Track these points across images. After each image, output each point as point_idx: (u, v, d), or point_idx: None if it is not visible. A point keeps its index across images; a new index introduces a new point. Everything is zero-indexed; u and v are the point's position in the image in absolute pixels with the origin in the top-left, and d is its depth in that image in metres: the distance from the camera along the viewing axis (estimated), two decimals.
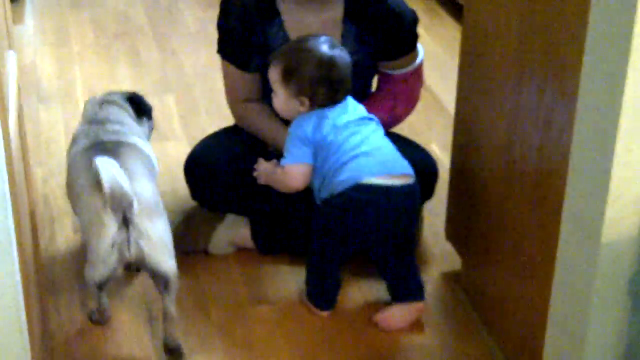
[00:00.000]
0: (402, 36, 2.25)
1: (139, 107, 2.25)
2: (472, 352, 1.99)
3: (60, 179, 2.49)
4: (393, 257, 2.08)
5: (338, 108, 2.03)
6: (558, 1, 1.57)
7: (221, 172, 2.25)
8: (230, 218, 2.29)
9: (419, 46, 2.30)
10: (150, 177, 2.02)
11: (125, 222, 1.84)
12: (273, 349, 2.00)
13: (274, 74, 2.04)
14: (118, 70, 3.29)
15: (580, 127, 1.49)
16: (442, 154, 2.68)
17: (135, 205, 1.84)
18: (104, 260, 1.86)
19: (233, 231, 2.28)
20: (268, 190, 2.19)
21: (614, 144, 1.39)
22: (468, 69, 2.02)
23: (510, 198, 1.85)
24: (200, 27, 3.65)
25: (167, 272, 1.89)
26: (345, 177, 1.96)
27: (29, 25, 3.67)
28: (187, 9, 3.83)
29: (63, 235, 2.35)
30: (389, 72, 2.30)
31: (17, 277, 1.45)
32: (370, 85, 2.37)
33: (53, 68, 3.30)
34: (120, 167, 1.86)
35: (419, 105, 2.41)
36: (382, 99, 2.32)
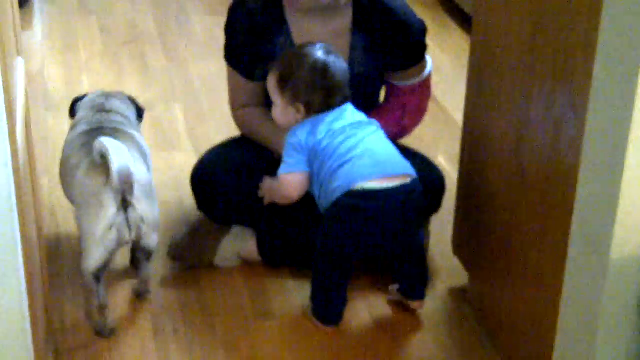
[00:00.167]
0: (411, 47, 2.24)
1: (136, 108, 2.32)
2: None
3: None
4: (398, 259, 2.07)
5: (334, 113, 2.02)
6: (568, 12, 1.56)
7: (228, 183, 2.24)
8: (236, 230, 2.28)
9: (428, 58, 2.30)
10: (144, 163, 2.07)
11: (124, 204, 1.91)
12: None
13: (271, 82, 2.05)
14: (125, 78, 3.28)
15: (590, 140, 1.48)
16: (449, 167, 2.66)
17: (136, 187, 1.91)
18: (101, 242, 1.92)
19: (239, 244, 2.27)
20: (274, 203, 2.19)
21: (624, 158, 1.38)
22: (477, 80, 2.01)
23: (518, 212, 1.84)
24: (208, 36, 3.65)
25: (152, 247, 2.04)
26: (339, 183, 1.95)
27: (37, 31, 3.68)
28: (195, 18, 3.83)
29: (69, 243, 2.34)
30: (397, 83, 2.29)
31: (23, 286, 1.45)
32: (378, 96, 2.36)
33: (61, 75, 3.30)
34: None
35: (427, 117, 2.40)
36: (389, 111, 2.31)
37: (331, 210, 1.98)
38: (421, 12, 3.54)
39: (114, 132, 2.08)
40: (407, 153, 2.24)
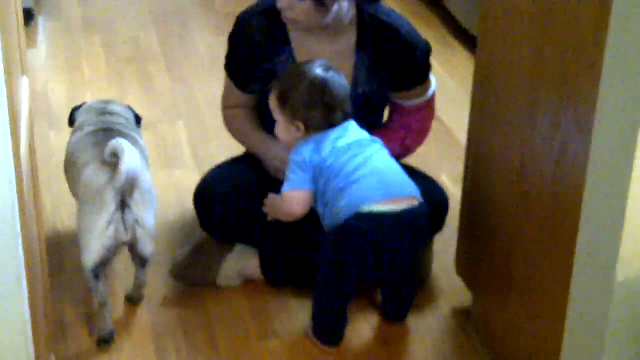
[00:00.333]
0: (415, 67, 2.24)
1: (134, 115, 2.39)
2: None
3: (70, 205, 2.48)
4: (394, 281, 2.07)
5: (337, 131, 2.01)
6: (573, 32, 1.57)
7: (231, 202, 2.24)
8: (239, 249, 2.27)
9: (432, 78, 2.30)
10: (147, 168, 2.15)
11: (123, 205, 1.98)
12: None
13: (272, 101, 2.05)
14: (129, 96, 3.29)
15: (595, 160, 1.48)
16: (452, 186, 2.66)
17: (137, 193, 1.98)
18: (99, 238, 1.98)
19: (242, 262, 2.26)
20: (277, 222, 2.18)
21: (630, 179, 1.37)
22: (481, 100, 2.01)
23: (522, 232, 1.83)
24: (212, 54, 3.65)
25: (148, 255, 2.09)
26: (346, 204, 1.95)
27: (41, 50, 3.69)
28: (199, 36, 3.84)
29: (71, 262, 2.33)
30: (401, 102, 2.29)
31: (26, 307, 1.44)
32: (382, 115, 2.36)
33: (64, 93, 3.31)
34: None
35: (430, 136, 2.40)
36: (393, 130, 2.31)
37: (336, 232, 1.98)
38: (426, 33, 3.55)
39: (122, 135, 2.13)
40: (411, 172, 2.23)
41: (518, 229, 1.85)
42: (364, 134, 2.06)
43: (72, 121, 2.36)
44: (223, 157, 2.48)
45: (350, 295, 2.05)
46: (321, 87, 1.99)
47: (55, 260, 2.34)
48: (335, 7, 2.10)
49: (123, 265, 2.30)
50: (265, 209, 2.14)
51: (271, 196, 2.13)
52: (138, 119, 2.39)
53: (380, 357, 2.06)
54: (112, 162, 1.98)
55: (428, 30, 3.78)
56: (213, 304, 2.21)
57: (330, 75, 2.01)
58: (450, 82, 3.42)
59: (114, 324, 2.10)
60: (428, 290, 2.27)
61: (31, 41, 3.70)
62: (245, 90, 2.28)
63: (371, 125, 2.21)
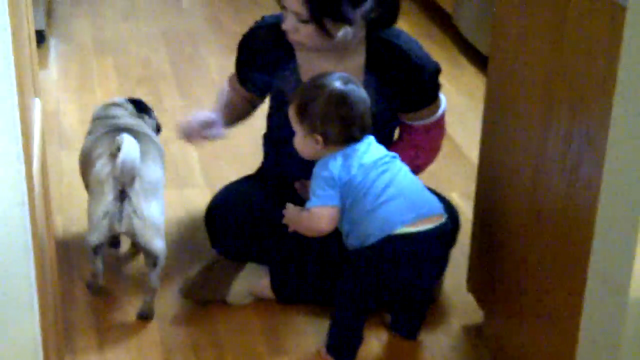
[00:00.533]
0: (423, 88, 2.24)
1: (139, 105, 2.47)
2: None
3: (81, 225, 2.48)
4: (411, 300, 2.07)
5: (362, 145, 1.99)
6: (585, 50, 1.57)
7: (242, 221, 2.24)
8: (250, 267, 2.27)
9: (442, 97, 2.30)
10: (159, 163, 2.23)
11: (122, 196, 2.04)
12: None
13: (291, 113, 2.03)
14: None
15: (608, 178, 1.47)
16: (463, 203, 2.66)
17: (137, 183, 2.04)
18: (97, 226, 2.06)
19: (253, 281, 2.26)
20: (289, 240, 2.18)
21: None
22: (492, 119, 2.01)
23: (534, 249, 1.82)
24: (221, 73, 3.67)
25: (156, 251, 2.09)
26: (376, 227, 1.94)
27: (53, 71, 3.71)
28: (209, 56, 3.86)
29: (82, 284, 2.34)
30: (411, 122, 2.29)
31: (37, 327, 1.44)
32: (392, 135, 2.36)
33: (76, 114, 3.32)
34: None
35: (441, 154, 2.40)
36: (403, 149, 2.30)
37: (366, 254, 1.97)
38: (436, 52, 3.57)
39: (132, 133, 2.17)
40: None
41: (530, 247, 1.84)
42: (384, 150, 2.05)
43: None
44: (234, 175, 2.49)
45: (369, 313, 2.05)
46: (339, 101, 1.97)
47: (67, 280, 2.35)
48: (340, 33, 2.11)
49: (132, 281, 2.31)
50: (286, 220, 2.10)
51: (291, 208, 2.08)
52: (143, 108, 2.45)
53: None
54: (114, 154, 2.08)
55: (438, 50, 3.79)
56: (223, 322, 2.21)
57: (350, 88, 1.98)
58: (460, 101, 3.43)
59: (125, 341, 2.11)
60: (439, 307, 2.27)
61: (43, 63, 3.73)
62: (242, 85, 2.35)
63: (381, 144, 2.21)
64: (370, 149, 2.01)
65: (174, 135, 3.24)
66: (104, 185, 2.07)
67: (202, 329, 2.19)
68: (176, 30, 4.13)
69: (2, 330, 1.39)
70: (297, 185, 2.21)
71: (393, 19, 2.20)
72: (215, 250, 2.32)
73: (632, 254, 1.40)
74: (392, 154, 2.06)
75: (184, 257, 2.46)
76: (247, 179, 2.40)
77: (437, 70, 2.25)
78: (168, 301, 2.27)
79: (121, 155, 2.02)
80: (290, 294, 2.26)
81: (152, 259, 2.11)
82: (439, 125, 2.32)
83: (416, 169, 2.34)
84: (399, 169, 2.01)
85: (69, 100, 3.43)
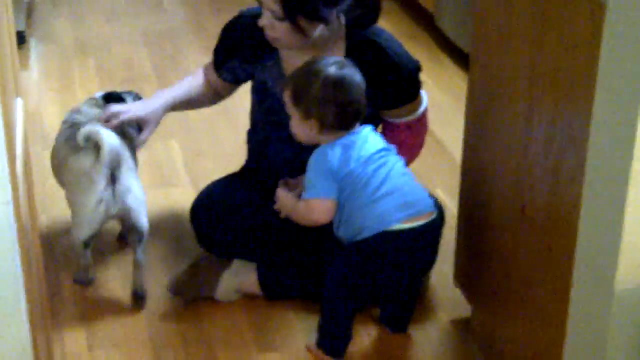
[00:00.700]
0: (403, 86, 2.23)
1: (111, 99, 2.44)
2: None
3: (66, 224, 2.48)
4: (399, 294, 2.07)
5: (360, 137, 1.98)
6: (568, 45, 1.58)
7: (228, 217, 2.24)
8: (237, 264, 2.27)
9: (423, 93, 2.30)
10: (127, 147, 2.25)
11: (112, 179, 2.12)
12: None
13: (286, 98, 2.01)
14: None
15: (591, 172, 1.48)
16: (447, 199, 2.67)
17: (123, 165, 2.12)
18: (91, 216, 2.12)
19: (240, 277, 2.26)
20: (276, 236, 2.18)
21: (626, 189, 1.38)
22: (475, 116, 2.02)
23: (520, 243, 1.84)
24: None
25: (143, 227, 2.19)
26: (371, 222, 1.94)
27: (34, 71, 3.69)
28: (191, 56, 3.85)
29: (68, 284, 2.33)
30: (392, 120, 2.29)
31: (26, 326, 1.44)
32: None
33: (57, 115, 3.30)
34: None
35: (424, 151, 2.41)
36: None
37: (357, 249, 1.97)
38: (417, 51, 3.58)
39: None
40: None
41: (516, 241, 1.85)
42: (382, 142, 2.03)
43: None
44: (218, 173, 2.48)
45: (359, 308, 2.05)
46: (335, 86, 1.94)
47: (53, 278, 2.34)
48: (316, 32, 2.10)
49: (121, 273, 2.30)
50: (278, 206, 2.08)
51: (283, 193, 2.06)
52: (113, 98, 2.42)
53: None
54: (89, 147, 2.12)
55: (420, 49, 3.80)
56: (212, 319, 2.21)
57: (345, 72, 1.96)
58: (443, 98, 3.44)
59: (114, 338, 2.12)
60: (427, 302, 2.28)
61: (23, 63, 3.70)
62: (217, 70, 2.34)
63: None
64: (368, 140, 1.99)
65: (156, 135, 3.24)
66: (92, 175, 2.11)
67: (191, 325, 2.18)
68: (157, 31, 4.12)
69: None
70: (281, 183, 2.20)
71: (374, 18, 2.20)
72: (202, 248, 2.32)
73: (617, 246, 1.41)
74: (389, 146, 2.04)
75: (171, 255, 2.45)
76: (232, 177, 2.40)
77: (417, 68, 2.25)
78: (157, 298, 2.26)
79: (105, 146, 2.08)
80: (278, 289, 2.26)
81: (138, 234, 2.19)
82: (421, 123, 2.32)
83: None
84: (394, 164, 2.00)
85: (51, 101, 3.41)
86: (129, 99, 2.47)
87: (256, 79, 2.28)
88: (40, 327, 1.71)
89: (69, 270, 2.38)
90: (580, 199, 1.52)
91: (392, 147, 2.05)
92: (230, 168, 2.48)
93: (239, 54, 2.28)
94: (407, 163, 2.35)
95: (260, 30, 2.18)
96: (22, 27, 3.77)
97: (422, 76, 2.28)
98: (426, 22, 4.09)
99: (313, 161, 1.98)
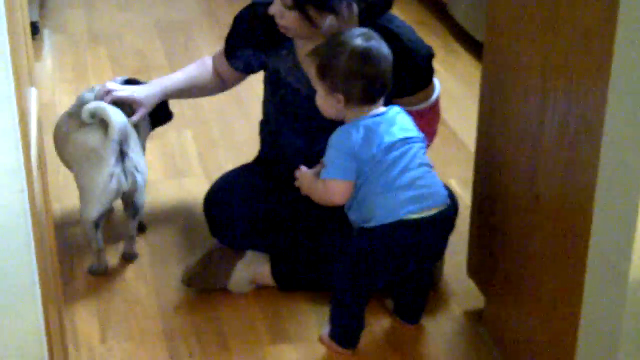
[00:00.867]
0: (417, 72, 2.22)
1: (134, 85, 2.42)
2: None
3: (79, 217, 2.48)
4: (412, 284, 2.07)
5: (386, 118, 1.95)
6: (582, 34, 1.57)
7: (241, 208, 2.24)
8: (250, 255, 2.27)
9: (436, 82, 2.29)
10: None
11: (122, 155, 2.16)
12: None
13: (312, 71, 1.99)
14: None
15: (605, 162, 1.47)
16: (460, 190, 2.66)
17: (131, 141, 2.17)
18: (102, 193, 2.16)
19: (253, 268, 2.26)
20: (289, 227, 2.18)
21: None
22: (489, 105, 2.01)
23: (534, 234, 1.83)
24: None
25: (141, 203, 2.28)
26: (382, 211, 1.93)
27: (47, 62, 3.70)
28: (204, 46, 3.86)
29: (82, 272, 2.34)
30: (406, 107, 2.28)
31: (41, 315, 1.44)
32: None
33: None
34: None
35: (437, 141, 2.40)
36: None
37: (367, 237, 1.96)
38: (431, 39, 3.56)
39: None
40: None
41: (529, 231, 1.85)
42: (409, 125, 1.99)
43: None
44: (231, 164, 2.49)
45: (370, 297, 2.05)
46: (361, 59, 1.91)
47: (67, 269, 2.35)
48: (326, 22, 2.09)
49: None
50: (298, 183, 2.05)
51: (306, 172, 2.03)
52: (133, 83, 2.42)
53: (394, 359, 2.06)
54: (94, 123, 2.16)
55: (433, 37, 3.79)
56: (225, 310, 2.21)
57: (372, 44, 1.93)
58: (456, 87, 3.43)
59: (127, 330, 2.12)
60: (440, 293, 2.28)
61: (37, 54, 3.72)
62: (229, 59, 2.33)
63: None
64: (396, 122, 1.96)
65: (169, 125, 3.25)
66: (100, 152, 2.14)
67: (204, 316, 2.19)
68: (170, 21, 4.12)
69: (4, 318, 1.39)
70: (297, 173, 2.20)
71: (387, 6, 2.20)
72: (215, 239, 2.32)
73: (632, 236, 1.40)
74: (414, 133, 2.00)
75: (184, 246, 2.46)
76: (245, 167, 2.40)
77: (430, 55, 2.24)
78: (170, 290, 2.27)
79: (113, 123, 2.12)
80: (291, 280, 2.26)
81: (136, 209, 2.27)
82: (434, 110, 2.31)
83: None
84: (416, 152, 1.97)
85: (64, 92, 3.42)
86: None
87: (270, 68, 2.28)
88: (54, 316, 1.71)
89: (82, 260, 2.39)
90: (594, 189, 1.51)
91: (418, 131, 2.02)
92: (243, 159, 2.48)
93: (251, 42, 2.27)
94: None
95: (270, 19, 2.17)
96: (35, 18, 3.77)
97: (435, 65, 2.27)
98: (439, 10, 4.07)
99: (335, 139, 1.95)
